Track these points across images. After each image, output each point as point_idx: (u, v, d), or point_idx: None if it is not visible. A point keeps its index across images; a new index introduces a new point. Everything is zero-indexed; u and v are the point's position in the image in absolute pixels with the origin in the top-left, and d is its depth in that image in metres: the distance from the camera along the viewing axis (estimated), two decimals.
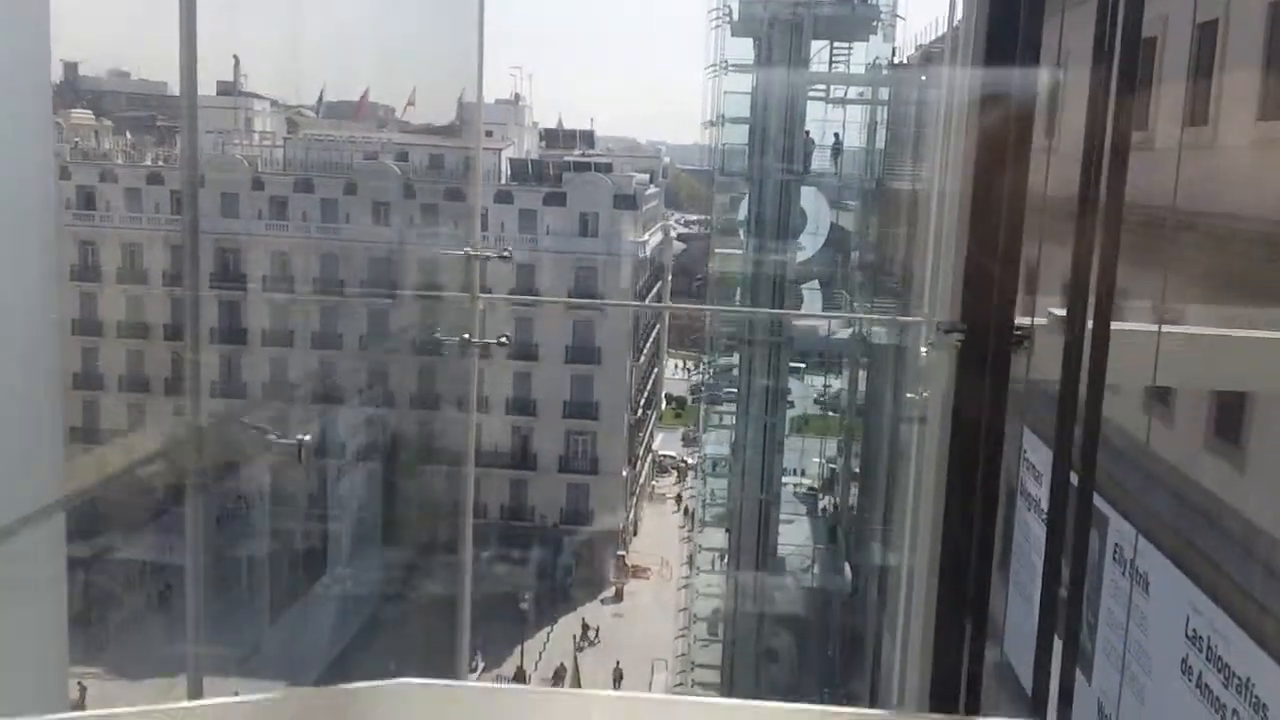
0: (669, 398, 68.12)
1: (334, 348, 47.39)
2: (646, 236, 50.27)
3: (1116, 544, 15.62)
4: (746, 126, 26.29)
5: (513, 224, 46.91)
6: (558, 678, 36.25)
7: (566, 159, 49.60)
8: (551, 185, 47.34)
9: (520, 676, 36.97)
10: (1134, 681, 14.65)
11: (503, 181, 48.01)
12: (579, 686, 29.47)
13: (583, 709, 1.98)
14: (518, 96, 53.57)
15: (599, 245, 46.99)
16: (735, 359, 28.34)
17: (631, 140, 63.20)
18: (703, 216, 57.47)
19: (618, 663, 36.34)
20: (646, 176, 51.81)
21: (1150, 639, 14.45)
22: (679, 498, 57.75)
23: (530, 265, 47.28)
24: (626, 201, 47.04)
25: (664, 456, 64.18)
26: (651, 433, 61.04)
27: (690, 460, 58.65)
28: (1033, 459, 18.12)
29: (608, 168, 48.87)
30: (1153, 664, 14.37)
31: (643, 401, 54.11)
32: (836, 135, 26.46)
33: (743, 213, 26.15)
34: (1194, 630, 13.26)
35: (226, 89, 53.15)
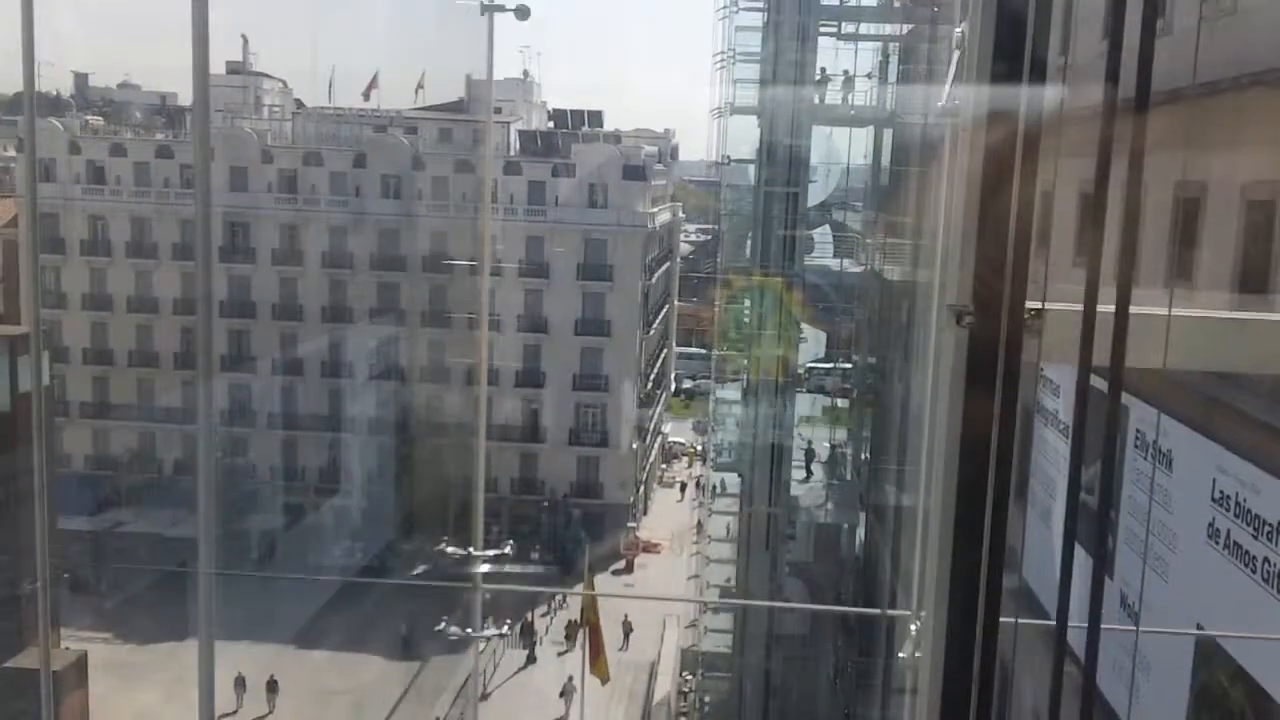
0: (678, 390, 68.08)
1: None
2: (656, 210, 50.12)
3: (1138, 430, 15.40)
4: (757, 65, 26.20)
5: (521, 194, 46.85)
6: (569, 635, 36.04)
7: (576, 132, 49.49)
8: (560, 157, 47.25)
9: (528, 630, 36.84)
10: (1158, 562, 14.40)
11: (511, 153, 48.01)
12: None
13: None
14: (526, 74, 53.69)
15: (608, 216, 46.86)
16: (746, 303, 28.15)
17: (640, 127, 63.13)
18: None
19: (626, 615, 36.12)
20: (655, 150, 51.69)
21: (1174, 515, 14.20)
22: (683, 485, 57.56)
23: (539, 237, 47.24)
24: (635, 173, 46.90)
25: (674, 443, 64.14)
26: (661, 415, 60.86)
27: (699, 448, 58.63)
28: (1049, 374, 17.92)
29: (616, 139, 48.78)
30: (1177, 539, 14.12)
31: (652, 376, 53.89)
32: (846, 71, 26.37)
33: (752, 151, 26.02)
34: (1220, 492, 13.03)
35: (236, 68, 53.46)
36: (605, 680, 27.04)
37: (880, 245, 26.34)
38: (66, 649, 30.55)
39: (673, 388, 65.73)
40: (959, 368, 2.65)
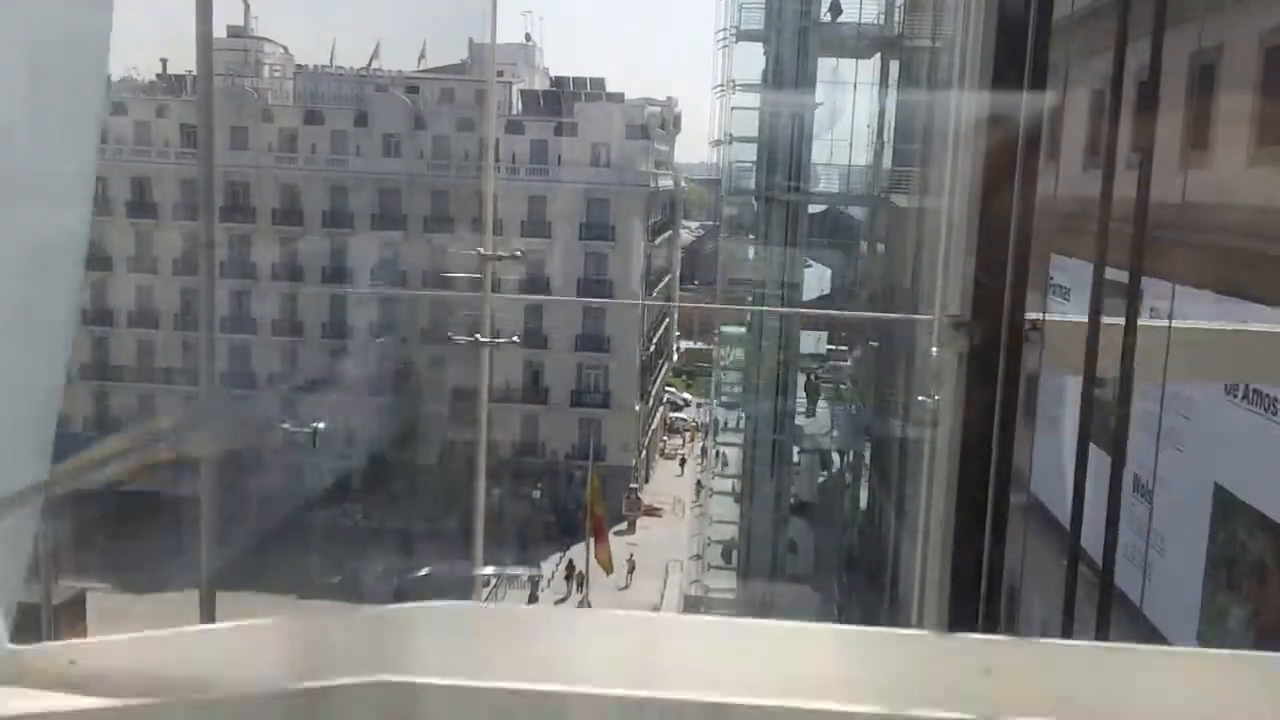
0: (678, 371, 68.01)
1: None
2: (658, 171, 49.89)
3: (1152, 308, 15.11)
4: None
5: (524, 153, 46.57)
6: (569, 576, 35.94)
7: (579, 92, 49.23)
8: (563, 116, 47.00)
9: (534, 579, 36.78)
10: (1171, 434, 14.11)
11: (514, 113, 47.73)
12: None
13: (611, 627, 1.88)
14: (528, 37, 53.43)
15: (610, 176, 46.57)
16: (750, 237, 27.92)
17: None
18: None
19: (631, 555, 35.96)
20: (658, 110, 51.44)
21: (1189, 384, 13.92)
22: (683, 460, 57.48)
23: (541, 197, 46.93)
24: (638, 132, 46.63)
25: (675, 418, 64.07)
26: (663, 384, 60.73)
27: (699, 421, 58.66)
28: (1059, 280, 17.60)
29: (620, 98, 48.46)
30: (1192, 407, 13.85)
31: (655, 340, 53.68)
32: None
33: (757, 73, 25.79)
34: None
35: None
36: (609, 570, 26.96)
37: (889, 176, 26.08)
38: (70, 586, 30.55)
39: (675, 357, 65.63)
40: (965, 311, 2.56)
